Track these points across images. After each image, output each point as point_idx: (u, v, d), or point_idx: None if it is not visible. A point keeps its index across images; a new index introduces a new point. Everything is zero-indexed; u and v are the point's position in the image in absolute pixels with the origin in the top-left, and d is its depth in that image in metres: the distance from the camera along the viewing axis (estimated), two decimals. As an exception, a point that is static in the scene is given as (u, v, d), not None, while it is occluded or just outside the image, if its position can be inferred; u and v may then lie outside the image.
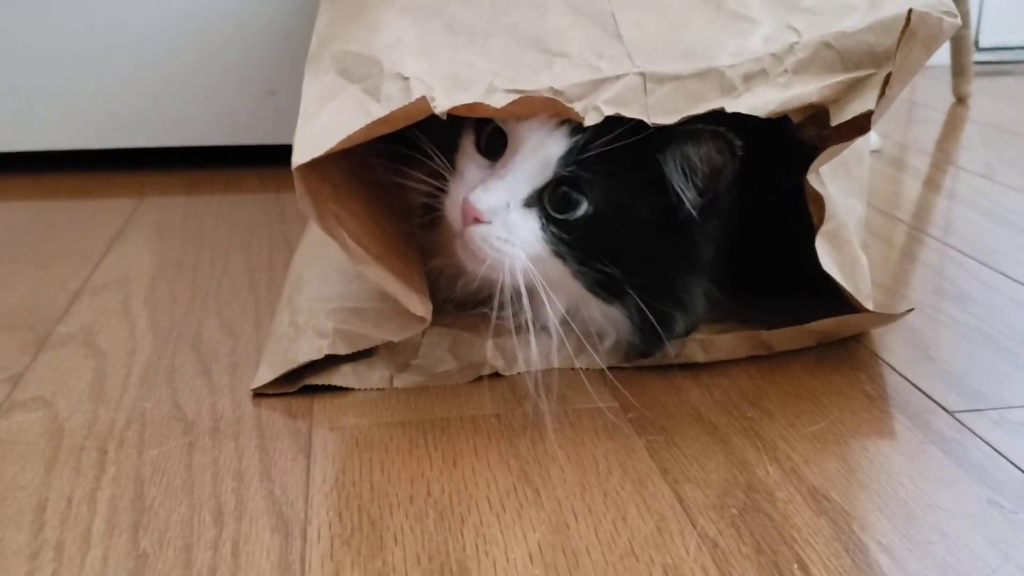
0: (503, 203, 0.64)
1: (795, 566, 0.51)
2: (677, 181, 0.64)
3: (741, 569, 0.51)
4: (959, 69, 1.71)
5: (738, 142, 0.62)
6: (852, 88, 0.63)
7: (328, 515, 0.55)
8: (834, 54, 0.63)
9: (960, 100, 1.73)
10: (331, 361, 0.69)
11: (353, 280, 0.73)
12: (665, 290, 0.68)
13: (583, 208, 0.65)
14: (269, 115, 1.28)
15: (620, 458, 0.61)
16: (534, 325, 0.66)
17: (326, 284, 0.75)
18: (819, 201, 0.67)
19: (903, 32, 0.61)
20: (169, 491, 0.58)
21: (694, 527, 0.54)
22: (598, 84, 0.61)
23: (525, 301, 0.65)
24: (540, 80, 0.61)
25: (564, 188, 0.65)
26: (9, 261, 0.97)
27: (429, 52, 0.64)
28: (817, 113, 0.65)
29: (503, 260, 0.65)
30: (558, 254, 0.66)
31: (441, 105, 0.59)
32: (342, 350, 0.68)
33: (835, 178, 0.71)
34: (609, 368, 0.71)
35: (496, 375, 0.72)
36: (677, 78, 0.61)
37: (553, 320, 0.68)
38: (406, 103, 0.60)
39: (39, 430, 0.64)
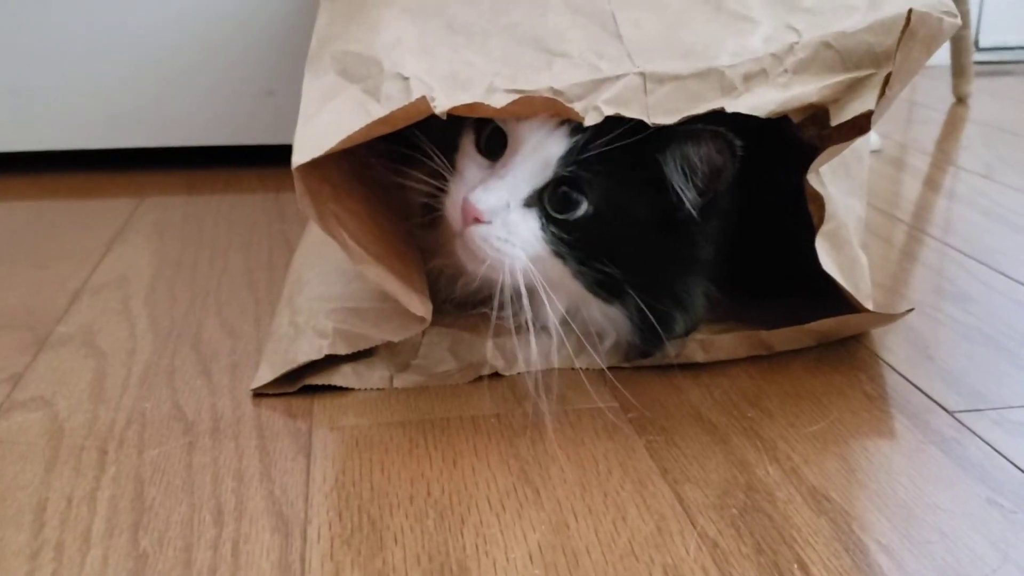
0: (503, 203, 0.64)
1: (795, 566, 0.51)
2: (677, 181, 0.64)
3: (741, 569, 0.51)
4: (959, 69, 1.71)
5: (738, 142, 0.62)
6: (852, 88, 0.63)
7: (328, 515, 0.55)
8: (834, 54, 0.63)
9: (960, 100, 1.73)
10: (331, 361, 0.69)
11: (353, 280, 0.73)
12: (665, 290, 0.68)
13: (583, 208, 0.65)
14: (269, 115, 1.28)
15: (620, 458, 0.61)
16: (534, 325, 0.66)
17: (326, 284, 0.75)
18: (819, 201, 0.67)
19: (903, 32, 0.61)
20: (169, 491, 0.58)
21: (694, 527, 0.54)
22: (598, 84, 0.61)
23: (525, 301, 0.65)
24: (540, 80, 0.61)
25: (564, 188, 0.65)
26: (9, 261, 0.97)
27: (429, 52, 0.64)
28: (817, 113, 0.65)
29: (503, 260, 0.65)
30: (558, 254, 0.66)
31: (441, 105, 0.59)
32: (342, 350, 0.68)
33: (835, 178, 0.71)
34: (609, 368, 0.71)
35: (496, 375, 0.72)
36: (677, 78, 0.61)
37: (553, 320, 0.68)
38: (406, 103, 0.60)
39: (39, 430, 0.64)
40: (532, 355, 0.70)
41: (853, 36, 0.63)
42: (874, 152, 1.34)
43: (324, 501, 0.57)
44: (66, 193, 1.23)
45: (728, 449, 0.62)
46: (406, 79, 0.62)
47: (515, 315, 0.67)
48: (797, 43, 0.63)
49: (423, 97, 0.59)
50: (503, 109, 0.60)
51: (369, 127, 0.60)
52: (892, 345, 0.76)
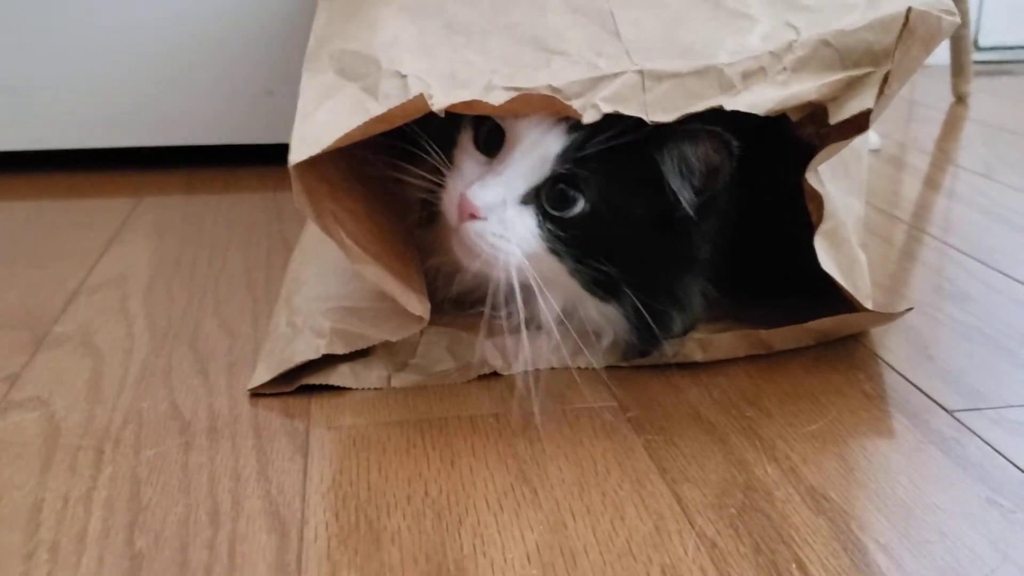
0: (500, 199, 0.64)
1: (793, 566, 0.51)
2: (674, 180, 0.64)
3: (739, 569, 0.51)
4: (959, 68, 1.71)
5: (735, 141, 0.61)
6: (851, 86, 0.63)
7: (325, 515, 0.55)
8: (833, 52, 0.63)
9: (960, 99, 1.73)
10: (329, 361, 0.69)
11: (351, 280, 0.73)
12: (662, 289, 0.68)
13: (580, 206, 0.65)
14: (268, 114, 1.28)
15: (618, 458, 0.61)
16: (531, 323, 0.66)
17: (324, 284, 0.75)
18: (818, 200, 0.67)
19: (902, 31, 0.61)
20: (165, 491, 0.57)
21: (692, 527, 0.54)
22: (596, 82, 0.60)
23: (520, 298, 0.65)
24: (538, 78, 0.61)
25: (561, 186, 0.65)
26: (7, 261, 0.97)
27: (428, 51, 0.64)
28: (816, 111, 0.64)
29: (498, 256, 0.65)
30: (554, 252, 0.66)
31: (439, 102, 0.59)
32: (339, 350, 0.68)
33: (834, 177, 0.71)
34: (607, 368, 0.71)
35: (494, 374, 0.72)
36: (676, 76, 0.61)
37: (549, 318, 0.67)
38: (404, 101, 0.59)
39: (36, 430, 0.64)
40: (530, 355, 0.69)
41: (852, 34, 0.63)
42: (874, 151, 1.34)
43: (321, 501, 0.56)
44: (64, 192, 1.22)
45: (727, 449, 0.62)
46: (404, 77, 0.61)
47: (512, 314, 0.67)
48: (796, 41, 0.63)
49: (421, 95, 0.59)
50: (501, 107, 0.60)
51: (367, 125, 0.60)
52: (891, 344, 0.76)
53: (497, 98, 0.60)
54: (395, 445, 0.62)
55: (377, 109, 0.60)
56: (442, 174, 0.67)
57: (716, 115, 0.61)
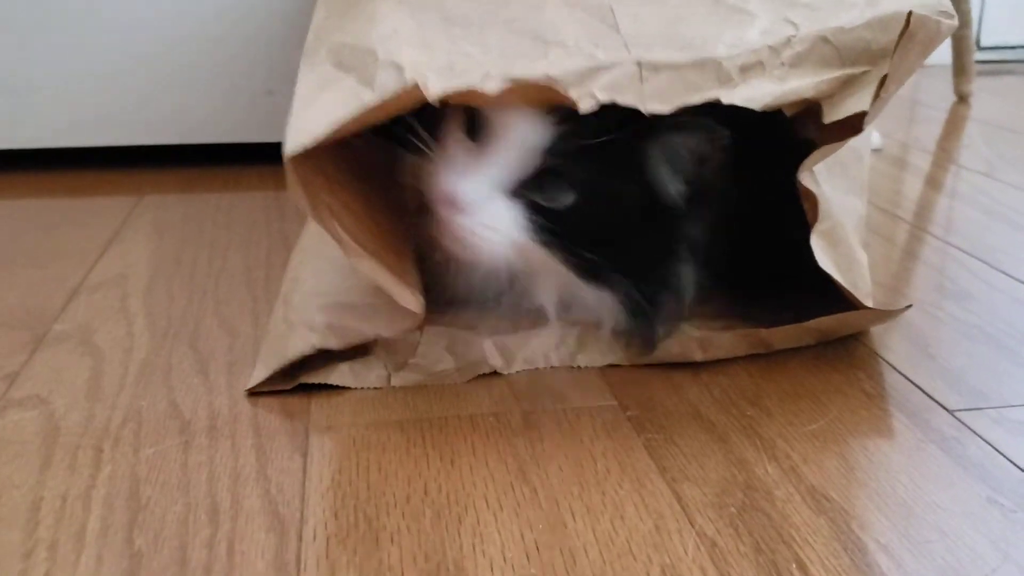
0: (486, 191, 0.64)
1: (793, 565, 0.51)
2: (663, 171, 0.64)
3: (739, 568, 0.50)
4: (960, 68, 1.71)
5: (726, 132, 0.62)
6: (847, 85, 0.63)
7: (324, 514, 0.55)
8: (831, 49, 0.63)
9: (961, 99, 1.73)
10: (328, 360, 0.69)
11: (347, 276, 0.73)
12: (653, 275, 0.68)
13: (568, 197, 0.65)
14: (268, 113, 1.27)
15: (618, 457, 0.61)
16: (532, 313, 0.66)
17: (320, 280, 0.75)
18: (812, 199, 0.67)
19: (902, 35, 0.60)
20: (165, 490, 0.57)
21: (692, 526, 0.54)
22: (594, 71, 0.60)
23: (515, 289, 0.65)
24: (536, 68, 0.60)
25: (549, 176, 0.65)
26: (6, 260, 0.97)
27: (426, 43, 0.63)
28: (817, 111, 0.64)
29: (486, 247, 0.65)
30: (543, 242, 0.66)
31: (434, 92, 0.59)
32: (333, 344, 0.68)
33: (831, 176, 0.71)
34: (607, 367, 0.71)
35: (495, 374, 0.71)
36: (674, 67, 0.60)
37: (549, 308, 0.67)
38: (400, 91, 0.59)
39: (35, 428, 0.64)
40: (531, 353, 0.69)
41: (851, 32, 0.62)
42: (876, 151, 1.34)
43: (320, 500, 0.56)
44: (64, 191, 1.22)
45: (727, 448, 0.62)
46: (401, 68, 0.61)
47: (506, 304, 0.67)
48: (795, 37, 0.63)
49: (416, 84, 0.58)
50: (497, 97, 0.60)
51: (362, 115, 0.59)
52: (892, 343, 0.76)
53: (493, 88, 0.59)
54: (395, 444, 0.62)
55: (373, 99, 0.60)
56: (432, 161, 0.67)
57: (718, 111, 0.61)
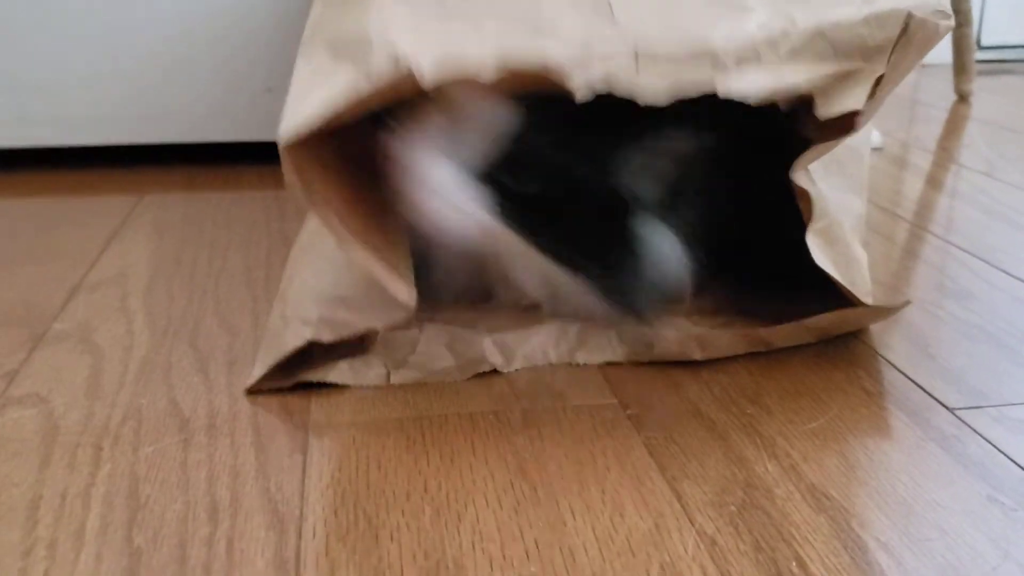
0: (457, 176, 0.64)
1: (793, 564, 0.51)
2: (636, 161, 0.64)
3: (739, 567, 0.50)
4: (961, 67, 1.71)
5: (702, 129, 0.61)
6: (841, 80, 0.62)
7: (324, 512, 0.55)
8: (827, 44, 0.62)
9: (962, 98, 1.73)
10: (328, 358, 0.69)
11: (341, 270, 0.73)
12: (632, 267, 0.68)
13: (541, 186, 0.65)
14: (267, 111, 1.27)
15: (618, 455, 0.61)
16: (527, 311, 0.66)
17: (316, 275, 0.75)
18: (807, 198, 0.67)
19: (900, 37, 0.60)
20: (164, 488, 0.57)
21: (692, 524, 0.54)
22: (589, 60, 0.60)
23: (490, 273, 0.65)
24: (532, 56, 0.60)
25: (521, 165, 0.64)
26: (6, 258, 0.97)
27: (421, 31, 0.63)
28: (815, 109, 0.64)
29: (455, 229, 0.65)
30: (515, 230, 0.65)
31: (429, 80, 0.59)
32: (326, 337, 0.68)
33: (827, 175, 0.71)
34: (607, 365, 0.71)
35: (494, 372, 0.71)
36: (670, 58, 0.60)
37: (529, 293, 0.67)
38: (394, 79, 0.59)
39: (34, 427, 0.64)
40: (530, 351, 0.69)
41: (847, 27, 0.62)
42: (876, 150, 1.34)
43: (320, 498, 0.56)
44: (64, 190, 1.22)
45: (727, 446, 0.62)
46: (396, 55, 0.61)
47: (505, 300, 0.67)
48: (792, 31, 0.62)
49: (411, 72, 0.58)
50: (492, 85, 0.60)
51: (357, 101, 0.59)
52: (892, 342, 0.76)
53: (489, 75, 0.59)
54: (394, 442, 0.62)
55: (367, 87, 0.60)
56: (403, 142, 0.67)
57: (716, 108, 0.61)
